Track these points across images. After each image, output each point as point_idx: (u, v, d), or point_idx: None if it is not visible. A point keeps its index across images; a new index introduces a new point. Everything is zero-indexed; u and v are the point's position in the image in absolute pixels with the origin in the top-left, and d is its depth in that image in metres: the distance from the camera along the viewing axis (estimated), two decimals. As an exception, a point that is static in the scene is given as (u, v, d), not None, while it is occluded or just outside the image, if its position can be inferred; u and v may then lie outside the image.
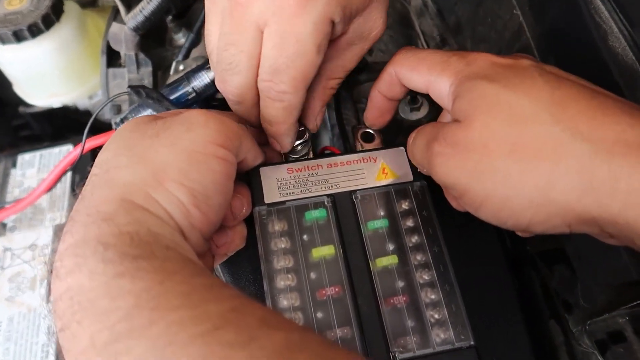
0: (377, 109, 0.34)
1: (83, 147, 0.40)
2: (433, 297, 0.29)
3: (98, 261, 0.22)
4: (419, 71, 0.30)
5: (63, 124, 0.67)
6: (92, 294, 0.22)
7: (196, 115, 0.27)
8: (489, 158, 0.25)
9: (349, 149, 0.36)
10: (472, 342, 0.28)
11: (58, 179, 0.42)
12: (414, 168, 0.32)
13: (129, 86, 0.41)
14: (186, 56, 0.45)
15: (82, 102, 0.58)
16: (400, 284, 0.30)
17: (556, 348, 0.31)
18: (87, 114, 0.61)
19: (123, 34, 0.44)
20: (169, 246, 0.24)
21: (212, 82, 0.40)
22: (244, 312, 0.21)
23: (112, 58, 0.46)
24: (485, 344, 0.28)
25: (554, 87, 0.25)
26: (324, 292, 0.29)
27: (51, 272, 0.25)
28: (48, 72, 0.47)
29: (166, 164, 0.25)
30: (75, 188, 0.46)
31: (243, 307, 0.22)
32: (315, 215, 0.31)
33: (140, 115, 0.28)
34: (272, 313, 0.22)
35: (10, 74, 0.49)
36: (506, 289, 0.32)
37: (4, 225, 0.46)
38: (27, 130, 0.71)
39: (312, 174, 0.32)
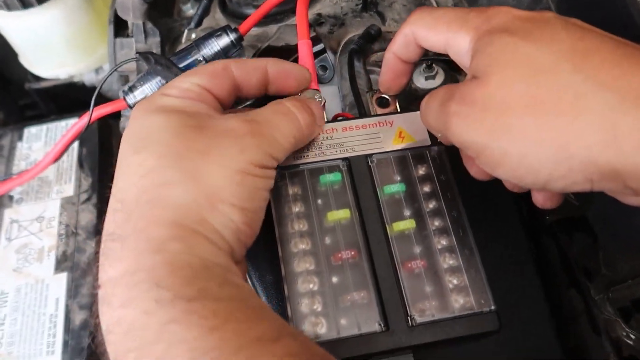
0: (392, 72, 0.33)
1: (91, 115, 0.39)
2: (452, 262, 0.29)
3: (151, 300, 0.22)
4: (437, 29, 0.29)
5: (69, 102, 0.67)
6: (146, 334, 0.21)
7: (247, 136, 0.26)
8: (506, 115, 0.24)
9: (364, 115, 0.35)
10: (492, 307, 0.27)
11: (65, 149, 0.41)
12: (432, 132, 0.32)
13: (138, 52, 0.40)
14: (198, 24, 0.44)
15: (89, 78, 0.57)
16: (418, 248, 0.29)
17: (577, 316, 0.31)
18: (93, 90, 0.61)
19: (131, 2, 0.43)
20: (222, 283, 0.23)
21: (222, 50, 0.39)
22: None
23: (120, 28, 0.46)
24: (504, 310, 0.28)
25: (576, 38, 0.24)
26: (339, 255, 0.28)
27: (96, 265, 0.25)
28: (54, 41, 0.46)
29: (220, 187, 0.24)
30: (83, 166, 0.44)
31: None
32: (330, 178, 0.30)
33: (174, 115, 0.26)
34: None
35: (16, 43, 0.48)
36: (524, 256, 0.32)
37: (11, 197, 0.46)
38: (34, 110, 0.70)
39: (327, 137, 0.31)
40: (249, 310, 0.23)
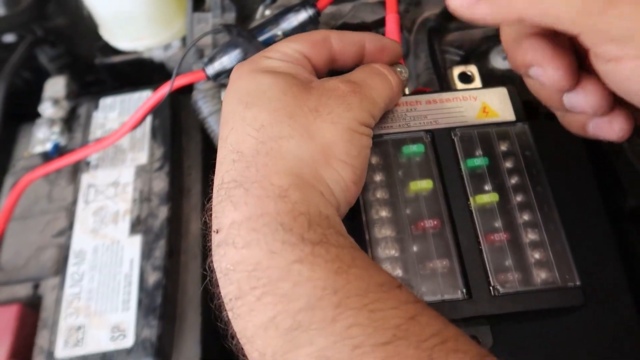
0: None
1: (172, 84, 0.40)
2: (535, 237, 0.28)
3: (277, 241, 0.22)
4: None
5: (133, 80, 0.69)
6: (271, 273, 0.22)
7: (350, 94, 0.27)
8: None
9: (445, 89, 0.36)
10: (578, 282, 0.27)
11: (143, 117, 0.43)
12: (516, 108, 0.31)
13: (221, 24, 0.42)
14: (274, 0, 0.45)
15: (158, 54, 0.59)
16: (501, 221, 0.29)
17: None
18: (160, 67, 0.63)
19: (211, -23, 0.44)
20: (339, 232, 0.24)
21: (301, 25, 0.40)
22: (422, 322, 0.21)
23: (198, 3, 0.47)
24: (586, 287, 0.27)
25: None
26: (422, 224, 0.29)
27: (207, 227, 0.26)
28: (137, 14, 0.48)
29: (332, 142, 0.25)
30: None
31: (419, 315, 0.21)
32: (413, 150, 0.30)
33: (280, 75, 0.26)
34: (449, 326, 0.22)
35: (101, 16, 0.51)
36: (606, 237, 0.31)
37: (88, 163, 0.48)
38: (99, 87, 0.73)
39: (411, 109, 0.32)
40: (367, 259, 0.24)
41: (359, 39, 0.30)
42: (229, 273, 0.23)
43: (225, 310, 0.24)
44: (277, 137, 0.25)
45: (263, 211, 0.23)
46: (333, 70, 0.31)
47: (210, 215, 0.26)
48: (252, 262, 0.22)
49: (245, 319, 0.22)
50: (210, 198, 0.26)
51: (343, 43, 0.29)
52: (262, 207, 0.23)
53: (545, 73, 0.25)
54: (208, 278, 0.27)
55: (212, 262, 0.25)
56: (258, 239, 0.23)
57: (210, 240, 0.25)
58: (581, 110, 0.25)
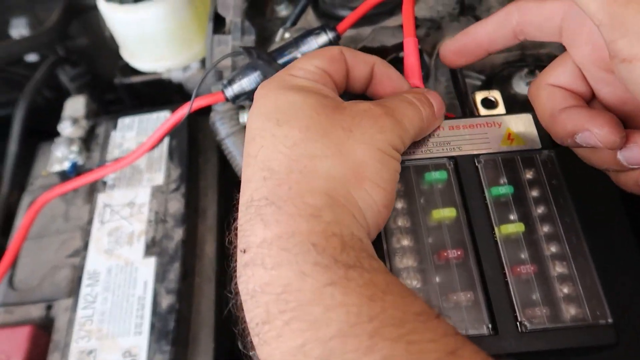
0: (471, 39, 0.31)
1: (191, 105, 0.40)
2: (563, 270, 0.27)
3: (309, 262, 0.22)
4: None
5: (152, 100, 0.70)
6: (301, 296, 0.21)
7: (383, 117, 0.26)
8: None
9: (468, 115, 0.35)
10: (610, 320, 0.26)
11: (162, 138, 0.43)
12: (542, 135, 0.31)
13: (241, 46, 0.42)
14: (294, 23, 0.45)
15: (176, 75, 0.60)
16: (527, 253, 0.28)
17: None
18: (178, 87, 0.63)
19: (232, 0, 0.44)
20: (372, 256, 0.23)
21: (320, 48, 0.40)
22: (463, 357, 0.20)
23: (218, 25, 0.47)
24: (619, 324, 0.26)
25: None
26: (445, 254, 0.28)
27: (232, 247, 0.25)
28: (158, 34, 0.49)
29: (364, 163, 0.25)
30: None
31: (460, 350, 0.20)
32: (435, 176, 0.30)
33: (310, 94, 0.26)
34: None
35: (122, 36, 0.51)
36: (637, 269, 0.30)
37: (105, 183, 0.48)
38: (118, 106, 0.74)
39: (433, 135, 0.31)
40: (402, 286, 0.23)
41: (369, 59, 0.30)
42: (257, 295, 0.22)
43: (250, 335, 0.23)
44: (310, 155, 0.24)
45: (295, 230, 0.22)
46: (345, 91, 0.31)
47: (236, 234, 0.25)
48: (282, 284, 0.21)
49: (272, 345, 0.21)
50: (235, 218, 0.26)
51: (355, 59, 0.29)
52: (295, 226, 0.23)
53: (591, 135, 0.26)
54: (232, 301, 0.26)
55: (237, 283, 0.24)
56: (289, 259, 0.22)
57: (235, 260, 0.25)
58: (638, 163, 0.26)
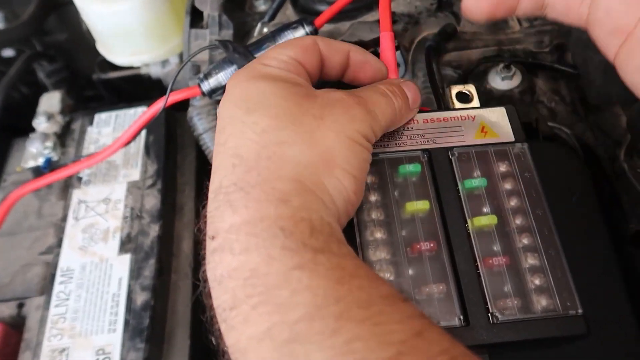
0: None
1: (167, 99, 0.40)
2: (535, 261, 0.27)
3: (276, 246, 0.21)
4: None
5: (131, 96, 0.69)
6: (269, 280, 0.21)
7: (355, 106, 0.26)
8: None
9: (443, 109, 0.35)
10: (579, 310, 0.26)
11: (137, 133, 0.42)
12: (515, 128, 0.31)
13: (217, 40, 0.41)
14: (272, 18, 0.45)
15: (155, 70, 0.59)
16: (500, 245, 0.28)
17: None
18: (158, 83, 0.62)
19: (209, -6, 0.44)
20: (341, 240, 0.23)
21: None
22: (428, 339, 0.20)
23: (195, 19, 0.47)
24: (588, 315, 0.26)
25: None
26: (418, 247, 0.28)
27: (201, 234, 0.25)
28: (134, 28, 0.48)
29: (334, 150, 0.25)
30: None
31: (426, 331, 0.20)
32: (409, 169, 0.30)
33: (280, 82, 0.26)
34: (456, 344, 0.21)
35: (98, 30, 0.50)
36: (608, 261, 0.30)
37: (80, 178, 0.47)
38: (97, 102, 0.73)
39: (407, 128, 0.31)
40: (370, 270, 0.22)
41: (344, 47, 0.30)
42: (224, 281, 0.22)
43: (218, 322, 0.23)
44: (279, 142, 0.24)
45: (263, 215, 0.22)
46: (320, 79, 0.31)
47: (205, 222, 0.25)
48: (249, 269, 0.21)
49: (239, 330, 0.21)
50: (205, 205, 0.25)
51: (329, 49, 0.29)
52: (263, 211, 0.22)
53: None
54: (200, 289, 0.25)
55: (205, 271, 0.24)
56: (257, 243, 0.22)
57: (205, 248, 0.24)
58: None
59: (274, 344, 0.20)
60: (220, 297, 0.22)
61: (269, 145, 0.24)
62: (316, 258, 0.21)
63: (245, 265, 0.21)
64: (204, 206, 0.25)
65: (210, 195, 0.25)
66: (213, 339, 0.24)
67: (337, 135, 0.25)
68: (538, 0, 0.28)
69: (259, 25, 0.45)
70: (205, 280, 0.24)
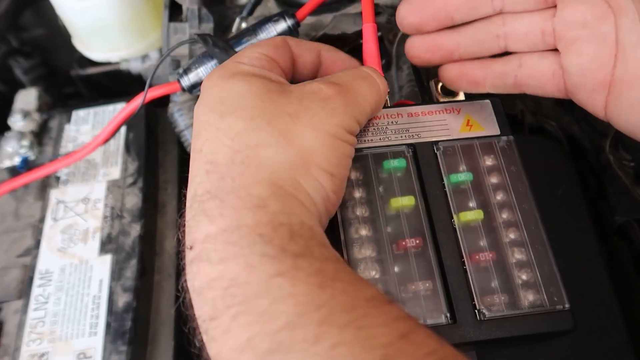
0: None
1: (145, 95, 0.39)
2: (522, 256, 0.27)
3: (256, 254, 0.21)
4: None
5: (111, 92, 0.67)
6: (249, 289, 0.20)
7: (334, 98, 0.25)
8: None
9: (429, 102, 0.34)
10: (567, 305, 0.26)
11: (115, 131, 0.41)
12: (501, 121, 0.30)
13: (196, 34, 0.40)
14: (250, 12, 0.44)
15: (135, 65, 0.57)
16: (486, 240, 0.27)
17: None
18: (138, 79, 0.61)
19: (188, -14, 0.43)
20: (322, 243, 0.23)
21: (279, 35, 0.39)
22: (415, 341, 0.20)
23: (174, 13, 0.45)
24: (576, 309, 0.26)
25: None
26: (403, 244, 0.27)
27: (180, 244, 0.24)
28: (111, 24, 0.47)
29: (311, 149, 0.24)
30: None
31: (412, 333, 0.20)
32: (394, 164, 0.29)
33: (255, 80, 0.25)
34: (444, 345, 0.20)
35: (74, 25, 0.49)
36: (594, 255, 0.30)
37: (58, 178, 0.46)
38: (77, 99, 0.71)
39: (392, 122, 0.30)
40: (352, 273, 0.22)
41: (314, 46, 0.29)
42: (203, 291, 0.21)
43: (199, 333, 0.22)
44: (253, 145, 0.23)
45: (240, 223, 0.22)
46: (293, 80, 0.30)
47: (184, 231, 0.24)
48: (228, 278, 0.21)
49: (220, 341, 0.20)
50: (183, 213, 0.25)
51: (300, 48, 0.29)
52: (240, 219, 0.22)
53: None
54: (181, 299, 0.25)
55: (185, 281, 0.23)
56: (235, 252, 0.21)
57: (184, 258, 0.24)
58: None
59: (256, 354, 0.19)
60: (201, 308, 0.21)
61: (243, 149, 0.23)
62: (297, 263, 0.21)
63: (224, 275, 0.21)
64: (181, 215, 0.25)
65: (187, 203, 0.24)
66: (195, 350, 0.24)
67: (316, 133, 0.24)
68: (507, 80, 0.29)
69: (237, 20, 0.43)
70: (186, 291, 0.23)
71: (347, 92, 0.26)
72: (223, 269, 0.21)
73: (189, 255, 0.23)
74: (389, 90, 0.30)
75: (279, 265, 0.20)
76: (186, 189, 0.25)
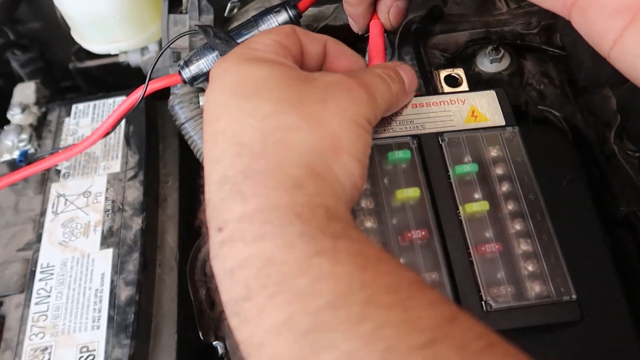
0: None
1: (146, 88, 0.38)
2: (528, 247, 0.27)
3: (293, 233, 0.20)
4: None
5: (110, 86, 0.67)
6: (286, 268, 0.20)
7: (358, 89, 0.25)
8: None
9: (433, 93, 0.34)
10: (573, 296, 0.26)
11: (116, 123, 0.41)
12: (506, 112, 0.30)
13: (197, 25, 0.40)
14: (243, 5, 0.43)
15: (134, 58, 0.57)
16: (492, 232, 0.27)
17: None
18: (138, 72, 0.60)
19: (187, -23, 0.42)
20: (357, 228, 0.22)
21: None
22: (462, 325, 0.19)
23: (174, 4, 0.45)
24: (582, 299, 0.26)
25: None
26: (409, 235, 0.27)
27: (203, 227, 0.23)
28: (108, 15, 0.46)
29: (341, 135, 0.24)
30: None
31: (459, 317, 0.19)
32: (399, 156, 0.29)
33: (275, 65, 0.25)
34: (489, 330, 0.20)
35: (71, 17, 0.48)
36: (599, 246, 0.30)
37: (58, 171, 0.45)
38: (75, 92, 0.71)
39: (396, 113, 0.30)
40: (393, 257, 0.22)
41: (321, 37, 0.29)
42: (235, 272, 0.21)
43: (227, 318, 0.21)
44: (284, 127, 0.23)
45: (277, 203, 0.21)
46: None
47: (205, 215, 0.23)
48: (263, 258, 0.20)
49: (254, 322, 0.20)
50: (201, 201, 0.24)
51: (307, 38, 0.28)
52: (276, 199, 0.21)
53: None
54: (206, 286, 0.24)
55: (210, 266, 0.23)
56: (272, 231, 0.20)
57: (207, 243, 0.23)
58: None
59: (294, 335, 0.19)
60: (232, 290, 0.21)
61: (274, 132, 0.23)
62: (336, 244, 0.20)
63: (259, 254, 0.20)
64: (201, 202, 0.24)
65: (213, 187, 0.23)
66: (212, 341, 0.23)
67: (343, 120, 0.24)
68: None
69: (235, 11, 0.43)
70: (211, 276, 0.22)
71: (367, 87, 0.26)
72: (258, 247, 0.20)
73: (217, 238, 0.22)
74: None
75: (318, 245, 0.20)
76: (199, 178, 0.25)
